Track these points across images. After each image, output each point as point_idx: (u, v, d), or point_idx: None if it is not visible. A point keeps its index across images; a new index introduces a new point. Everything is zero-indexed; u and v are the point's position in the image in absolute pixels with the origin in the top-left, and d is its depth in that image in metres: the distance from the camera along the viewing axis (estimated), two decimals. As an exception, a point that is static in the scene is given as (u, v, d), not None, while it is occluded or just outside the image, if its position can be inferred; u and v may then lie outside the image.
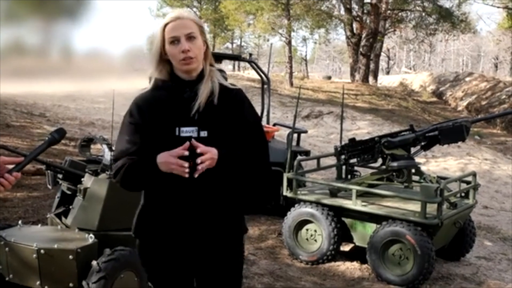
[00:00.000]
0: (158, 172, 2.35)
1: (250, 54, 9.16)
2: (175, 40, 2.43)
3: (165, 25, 2.46)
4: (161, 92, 2.49)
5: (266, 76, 8.61)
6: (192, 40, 2.43)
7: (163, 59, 2.50)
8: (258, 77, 8.85)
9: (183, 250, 2.52)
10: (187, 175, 2.30)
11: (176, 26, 2.44)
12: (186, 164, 2.29)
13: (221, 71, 2.64)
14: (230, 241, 2.60)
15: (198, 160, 2.30)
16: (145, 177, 2.43)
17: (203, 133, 2.43)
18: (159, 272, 2.57)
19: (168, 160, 2.32)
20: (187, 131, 2.43)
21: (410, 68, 49.59)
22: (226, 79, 2.64)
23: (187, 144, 2.32)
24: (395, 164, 6.09)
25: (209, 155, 2.33)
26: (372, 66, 26.29)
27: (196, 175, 2.32)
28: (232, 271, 2.65)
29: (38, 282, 3.91)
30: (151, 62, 2.55)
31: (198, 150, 2.31)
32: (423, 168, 7.54)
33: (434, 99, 26.93)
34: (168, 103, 2.47)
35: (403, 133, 6.28)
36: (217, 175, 2.42)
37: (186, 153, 2.30)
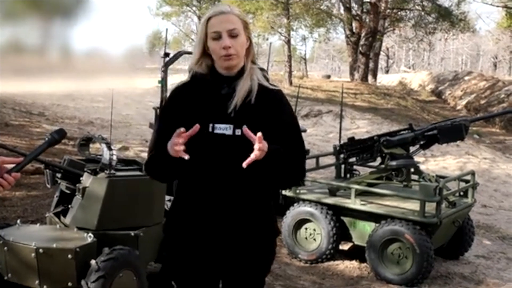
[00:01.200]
0: (173, 160, 2.26)
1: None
2: (217, 36, 2.36)
3: (208, 19, 2.39)
4: (198, 86, 2.44)
5: (265, 75, 8.59)
6: (234, 37, 2.36)
7: (205, 53, 2.43)
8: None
9: (212, 250, 2.45)
10: (186, 157, 2.19)
11: (219, 21, 2.37)
12: (181, 146, 2.19)
13: (262, 69, 2.56)
14: (260, 243, 2.51)
15: (256, 146, 2.18)
16: (165, 167, 2.38)
17: (238, 132, 2.34)
18: (185, 271, 2.52)
19: (171, 142, 2.23)
20: (221, 128, 2.36)
21: (409, 67, 49.56)
22: (267, 78, 2.54)
23: (196, 127, 2.21)
24: (394, 163, 6.10)
25: (263, 145, 2.20)
26: (371, 65, 26.28)
27: (245, 165, 2.20)
28: (259, 275, 2.59)
29: (37, 282, 3.90)
30: (193, 55, 2.49)
31: (257, 144, 2.18)
32: (422, 167, 7.53)
33: (433, 98, 26.94)
34: (204, 97, 2.41)
35: (402, 132, 6.29)
36: (255, 172, 2.30)
37: (180, 132, 2.20)
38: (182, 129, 2.21)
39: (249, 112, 2.38)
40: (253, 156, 2.19)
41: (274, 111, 2.43)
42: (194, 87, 2.45)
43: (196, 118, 2.37)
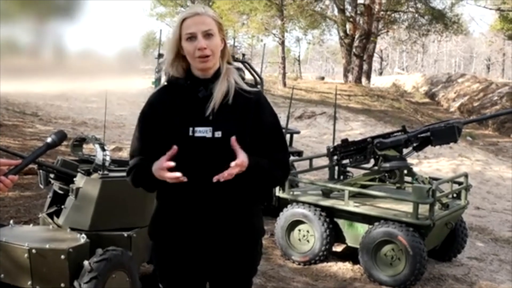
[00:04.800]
0: (157, 179, 2.31)
1: (243, 55, 9.18)
2: (192, 37, 2.35)
3: (183, 20, 2.38)
4: (175, 90, 2.43)
5: (259, 76, 8.63)
6: (209, 37, 2.36)
7: (179, 55, 2.42)
8: (252, 78, 8.87)
9: (198, 253, 2.45)
10: (184, 179, 2.23)
11: (193, 22, 2.36)
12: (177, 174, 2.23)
13: (238, 69, 2.55)
14: (245, 244, 2.51)
15: (232, 164, 2.22)
16: (149, 182, 2.40)
17: (218, 134, 2.34)
18: (171, 274, 2.52)
19: (159, 169, 2.27)
20: (200, 131, 2.35)
21: (403, 69, 49.73)
22: (243, 78, 2.54)
23: (174, 149, 2.25)
24: (387, 165, 6.11)
25: (237, 168, 2.24)
26: (365, 67, 26.36)
27: (215, 180, 2.24)
28: (246, 275, 2.59)
29: (29, 282, 3.88)
30: (166, 58, 2.49)
31: (238, 161, 2.24)
32: (416, 169, 7.55)
33: (427, 100, 27.06)
34: (182, 101, 2.41)
35: (395, 134, 6.29)
36: (238, 181, 2.32)
37: (172, 164, 2.23)
38: (167, 159, 2.25)
39: (227, 113, 2.38)
40: (226, 174, 2.23)
41: (253, 112, 2.43)
42: (171, 92, 2.45)
43: (176, 122, 2.38)
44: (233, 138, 2.27)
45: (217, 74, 2.42)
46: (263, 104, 2.49)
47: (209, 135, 2.35)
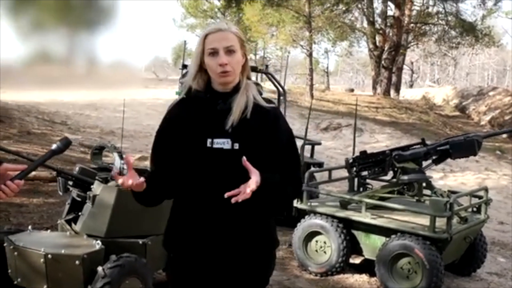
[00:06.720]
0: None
1: (266, 66, 9.26)
2: (214, 52, 2.40)
3: (206, 36, 2.44)
4: (194, 102, 2.48)
5: (282, 87, 8.68)
6: (231, 54, 2.40)
7: (202, 69, 2.48)
8: (274, 89, 8.92)
9: (213, 264, 2.47)
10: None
11: (216, 38, 2.41)
12: None
13: (257, 84, 2.60)
14: (259, 255, 2.54)
15: (247, 190, 2.25)
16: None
17: (236, 145, 2.38)
18: (185, 285, 2.53)
19: None
20: (219, 142, 2.39)
21: (434, 82, 49.25)
22: (261, 93, 2.60)
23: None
24: (405, 177, 6.10)
25: (253, 186, 2.27)
26: (394, 79, 26.19)
27: (226, 196, 2.25)
28: (259, 286, 2.61)
29: (45, 286, 3.98)
30: (189, 70, 2.54)
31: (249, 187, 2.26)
32: (441, 182, 7.50)
33: (457, 113, 26.71)
34: (201, 114, 2.45)
35: (414, 147, 6.28)
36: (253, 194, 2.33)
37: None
38: None
39: (245, 127, 2.42)
40: (240, 198, 2.25)
41: (269, 128, 2.47)
42: (190, 104, 2.49)
43: (194, 134, 2.42)
44: (244, 158, 2.30)
45: (237, 88, 2.47)
46: (280, 120, 2.52)
47: (227, 146, 2.39)
